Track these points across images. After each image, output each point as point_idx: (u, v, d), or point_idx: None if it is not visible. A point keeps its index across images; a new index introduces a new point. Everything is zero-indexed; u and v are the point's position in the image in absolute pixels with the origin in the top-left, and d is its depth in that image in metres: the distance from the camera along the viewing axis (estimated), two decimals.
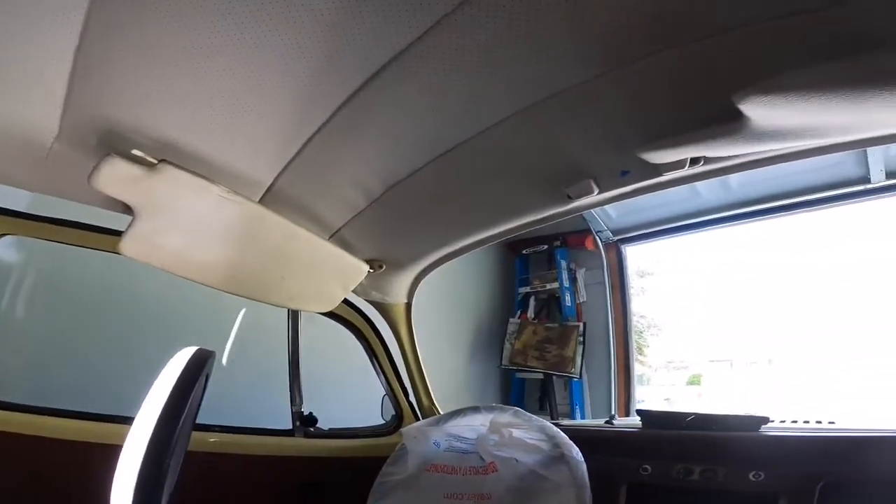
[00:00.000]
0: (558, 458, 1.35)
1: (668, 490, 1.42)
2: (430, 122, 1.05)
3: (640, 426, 1.60)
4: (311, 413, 1.89)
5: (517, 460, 1.37)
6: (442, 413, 1.88)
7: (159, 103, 0.92)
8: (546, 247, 4.26)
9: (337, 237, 1.49)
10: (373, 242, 1.57)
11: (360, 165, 1.20)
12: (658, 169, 1.13)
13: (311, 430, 1.85)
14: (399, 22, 0.80)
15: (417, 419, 1.98)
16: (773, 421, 1.42)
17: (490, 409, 1.62)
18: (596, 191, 1.22)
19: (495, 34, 0.82)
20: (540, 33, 0.82)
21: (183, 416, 0.84)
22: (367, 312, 2.02)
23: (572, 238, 4.15)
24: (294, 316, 1.96)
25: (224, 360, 2.51)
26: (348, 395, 2.51)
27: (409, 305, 1.99)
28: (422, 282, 1.91)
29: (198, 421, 1.08)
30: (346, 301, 1.92)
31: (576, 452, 1.35)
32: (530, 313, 4.26)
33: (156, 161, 1.00)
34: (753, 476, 1.27)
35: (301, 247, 1.39)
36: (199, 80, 0.88)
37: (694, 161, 1.10)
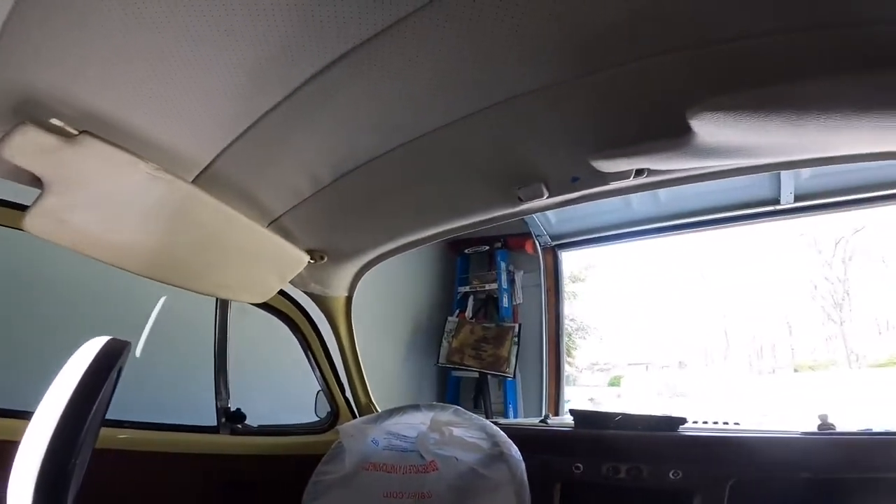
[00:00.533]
0: (498, 456, 1.36)
1: (599, 487, 1.48)
2: (386, 114, 1.03)
3: (573, 425, 1.65)
4: (238, 409, 1.79)
5: (457, 459, 1.37)
6: (380, 411, 1.86)
7: (88, 73, 0.83)
8: (487, 248, 4.32)
9: (277, 225, 1.41)
10: (316, 232, 1.51)
11: (309, 152, 1.15)
12: (605, 177, 1.18)
13: (239, 426, 1.75)
14: (364, 14, 0.78)
15: (354, 416, 1.93)
16: (688, 422, 1.52)
17: (430, 407, 1.62)
18: (546, 194, 1.25)
19: (459, 35, 0.82)
20: (504, 37, 0.83)
21: (92, 413, 0.75)
22: (303, 304, 1.94)
23: (513, 240, 4.24)
24: (223, 306, 1.84)
25: (138, 352, 2.31)
26: (280, 390, 2.41)
27: (349, 299, 1.94)
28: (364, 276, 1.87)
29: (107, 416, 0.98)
30: (281, 292, 1.84)
31: (515, 451, 1.38)
32: (468, 312, 4.31)
33: (76, 132, 0.89)
34: (672, 474, 1.36)
35: (236, 233, 1.30)
36: (135, 52, 0.80)
37: (639, 172, 1.16)
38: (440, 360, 4.12)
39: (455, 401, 4.03)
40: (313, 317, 1.96)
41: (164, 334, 2.32)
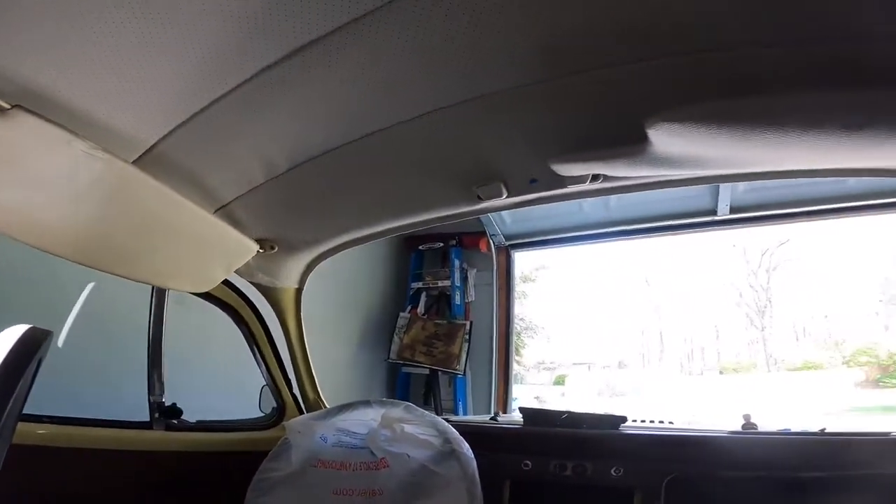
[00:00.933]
0: (449, 453, 1.37)
1: (547, 484, 1.52)
2: (347, 107, 1.01)
3: (522, 423, 1.69)
4: (174, 404, 1.69)
5: (409, 456, 1.36)
6: (329, 407, 1.81)
7: (26, 47, 0.75)
8: (442, 245, 4.33)
9: (225, 211, 1.34)
10: (267, 221, 1.46)
11: (266, 139, 1.10)
12: (563, 181, 1.21)
13: (175, 422, 1.65)
14: (327, 8, 0.76)
15: (301, 412, 1.88)
16: (630, 420, 1.59)
17: (381, 403, 1.60)
18: (505, 194, 1.27)
19: (422, 34, 0.81)
20: (469, 38, 0.83)
21: (8, 406, 0.68)
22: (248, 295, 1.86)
23: (467, 239, 4.28)
24: (159, 295, 1.73)
25: (60, 342, 2.14)
26: (222, 385, 2.30)
27: (299, 291, 1.89)
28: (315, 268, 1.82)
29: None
30: (226, 282, 1.75)
31: (466, 448, 1.38)
32: (420, 309, 4.31)
33: (8, 106, 0.81)
34: (614, 471, 1.42)
35: (179, 218, 1.22)
36: (78, 28, 0.73)
37: (595, 177, 1.19)
38: (391, 356, 4.09)
39: (405, 397, 4.02)
40: (260, 309, 1.89)
41: (95, 323, 2.16)
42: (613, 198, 3.64)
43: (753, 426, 1.48)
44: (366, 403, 1.62)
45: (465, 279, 4.35)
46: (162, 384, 1.70)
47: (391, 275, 4.56)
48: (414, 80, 0.93)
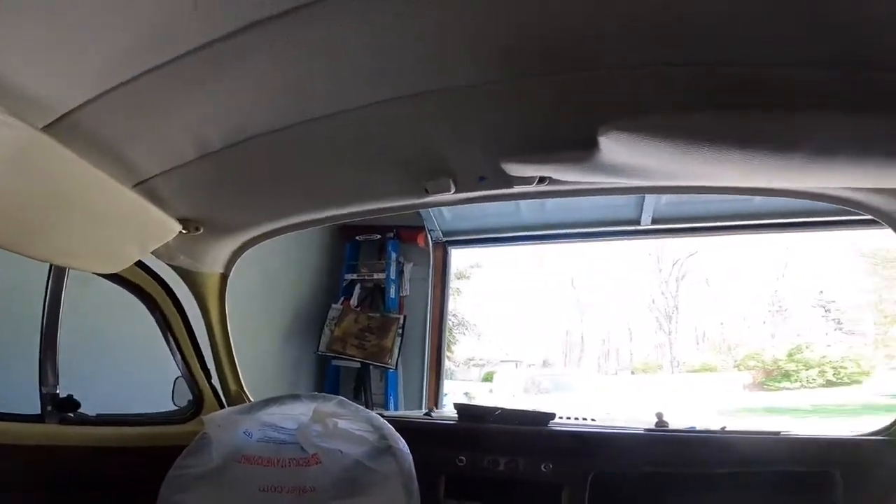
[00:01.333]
0: (385, 449, 1.34)
1: (481, 480, 1.53)
2: (294, 89, 0.96)
3: (456, 419, 1.70)
4: (70, 396, 1.52)
5: (342, 452, 1.33)
6: (253, 400, 1.72)
7: None
8: (379, 237, 4.27)
9: (145, 187, 1.22)
10: (194, 200, 1.35)
11: (203, 115, 1.03)
12: (511, 181, 1.22)
13: (71, 415, 1.48)
14: None
15: (222, 406, 1.76)
16: (558, 417, 1.66)
17: (312, 397, 1.54)
18: (453, 190, 1.26)
19: (383, 22, 0.79)
20: (433, 31, 0.81)
21: None
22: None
23: (406, 232, 4.24)
24: (57, 275, 1.54)
25: None
26: (130, 376, 2.10)
27: (225, 277, 1.77)
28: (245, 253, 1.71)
29: None
30: (139, 263, 1.60)
31: (402, 444, 1.37)
32: (354, 301, 4.21)
33: None
34: (544, 467, 1.47)
35: (90, 191, 1.09)
36: None
37: (542, 180, 1.22)
38: (320, 349, 3.96)
39: (334, 391, 3.92)
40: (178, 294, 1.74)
41: None
42: (550, 201, 3.77)
43: (665, 424, 1.60)
44: (295, 398, 1.55)
45: (400, 273, 4.31)
46: (56, 374, 1.51)
47: (324, 264, 4.41)
48: (365, 70, 0.91)
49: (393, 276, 4.23)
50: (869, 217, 1.33)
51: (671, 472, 1.43)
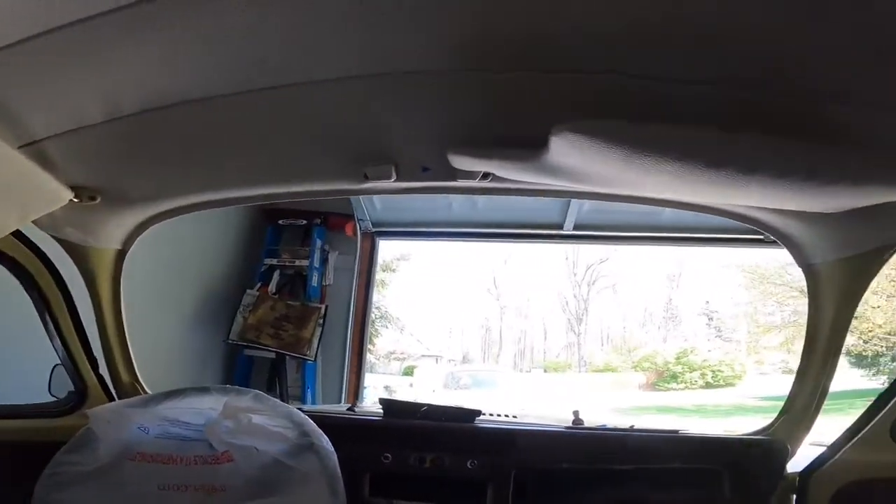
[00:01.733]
0: (306, 447, 1.28)
1: (407, 477, 1.50)
2: (236, 54, 0.89)
3: (382, 415, 1.65)
4: None
5: (258, 449, 1.24)
6: (150, 393, 1.55)
7: None
8: (305, 222, 4.08)
9: (34, 148, 1.07)
10: (93, 166, 1.21)
11: (118, 73, 0.93)
12: (455, 174, 1.20)
13: None
14: None
15: (112, 398, 1.57)
16: (483, 414, 1.67)
17: (223, 390, 1.41)
18: (394, 178, 1.23)
19: None
20: (390, 10, 0.78)
21: None
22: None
23: (334, 220, 4.10)
24: None
25: None
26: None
27: (122, 254, 1.58)
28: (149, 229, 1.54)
29: None
30: (17, 234, 1.37)
31: (325, 441, 1.31)
32: (272, 287, 3.98)
33: None
34: (470, 464, 1.47)
35: None
36: None
37: (485, 175, 1.21)
38: (231, 337, 3.69)
39: (245, 382, 3.67)
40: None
41: None
42: (482, 200, 3.82)
43: (581, 422, 1.66)
44: (202, 390, 1.41)
45: (325, 261, 4.16)
46: None
47: (241, 246, 4.12)
48: (307, 45, 0.86)
49: (317, 263, 4.05)
50: (755, 237, 1.47)
51: (586, 468, 1.50)
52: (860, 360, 14.10)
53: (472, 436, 1.55)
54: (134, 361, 1.65)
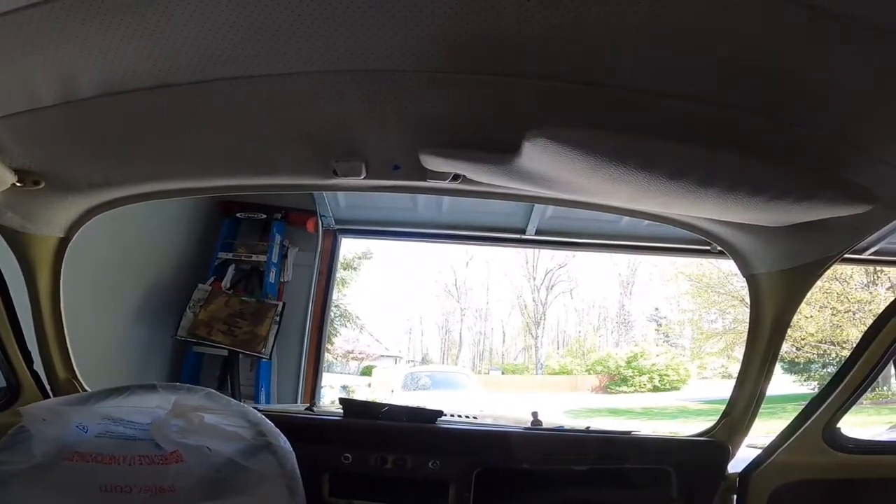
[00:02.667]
0: (263, 446, 1.23)
1: (368, 478, 1.48)
2: (194, 42, 0.87)
3: (342, 415, 1.63)
4: None
5: (209, 449, 1.19)
6: (89, 390, 1.46)
7: None
8: (264, 216, 3.96)
9: None
10: (39, 150, 1.16)
11: (72, 57, 0.90)
12: (425, 174, 1.20)
13: None
14: None
15: (46, 396, 1.47)
16: (445, 414, 1.67)
17: (172, 388, 1.34)
18: (363, 175, 1.22)
19: None
20: (367, 9, 0.78)
21: None
22: None
23: (295, 215, 4.00)
24: None
25: None
26: None
27: (65, 242, 1.49)
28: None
29: None
30: None
31: (283, 441, 1.27)
32: (226, 282, 3.83)
33: None
34: (432, 464, 1.46)
35: None
36: None
37: (456, 177, 1.22)
38: (180, 333, 3.52)
39: (194, 380, 3.51)
40: None
41: None
42: (447, 200, 3.84)
43: (540, 423, 1.70)
44: (148, 388, 1.34)
45: (283, 257, 4.04)
46: None
47: (194, 239, 3.94)
48: (281, 36, 0.85)
49: (275, 259, 3.94)
50: (703, 247, 1.56)
51: (546, 469, 1.53)
52: (793, 367, 15.17)
53: (433, 436, 1.55)
54: (72, 357, 1.55)
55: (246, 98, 1.00)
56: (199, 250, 3.96)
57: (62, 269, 1.50)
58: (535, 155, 0.92)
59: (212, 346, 3.58)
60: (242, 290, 3.87)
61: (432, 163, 1.13)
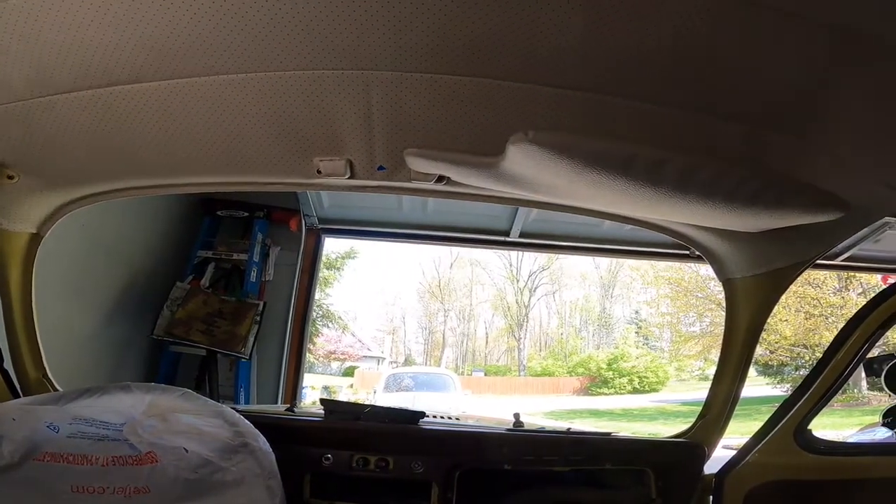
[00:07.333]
0: (241, 447, 1.22)
1: (349, 479, 1.47)
2: (187, 37, 0.87)
3: (323, 415, 1.61)
4: None
5: (186, 450, 1.17)
6: (61, 389, 1.43)
7: None
8: (246, 214, 3.88)
9: None
10: (14, 142, 1.14)
11: (49, 50, 0.89)
12: (410, 174, 1.20)
13: None
14: None
15: (16, 395, 1.42)
16: (428, 416, 1.67)
17: (147, 388, 1.32)
18: (348, 174, 1.21)
19: None
20: (361, 10, 0.79)
21: None
22: None
23: (278, 214, 3.93)
24: None
25: None
26: None
27: (37, 238, 1.46)
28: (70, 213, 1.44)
29: None
30: None
31: (262, 442, 1.26)
32: (205, 281, 3.75)
33: None
34: (414, 465, 1.46)
35: None
36: None
37: (441, 178, 1.22)
38: (156, 332, 3.43)
39: (171, 380, 3.43)
40: None
41: None
42: (432, 201, 3.83)
43: (522, 424, 1.71)
44: (122, 388, 1.32)
45: (265, 256, 3.98)
46: None
47: (173, 236, 3.85)
48: (277, 32, 0.85)
49: (256, 258, 3.87)
50: (682, 251, 1.59)
51: (527, 469, 1.54)
52: (767, 369, 15.57)
53: (416, 437, 1.55)
54: (43, 355, 1.51)
55: (226, 96, 0.99)
56: (178, 248, 3.87)
57: (34, 266, 1.46)
58: (520, 158, 0.92)
59: (189, 345, 3.50)
60: (222, 289, 3.79)
61: (417, 164, 1.13)
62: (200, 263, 3.81)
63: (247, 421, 1.29)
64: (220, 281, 3.84)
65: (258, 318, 3.65)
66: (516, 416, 1.75)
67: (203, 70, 0.93)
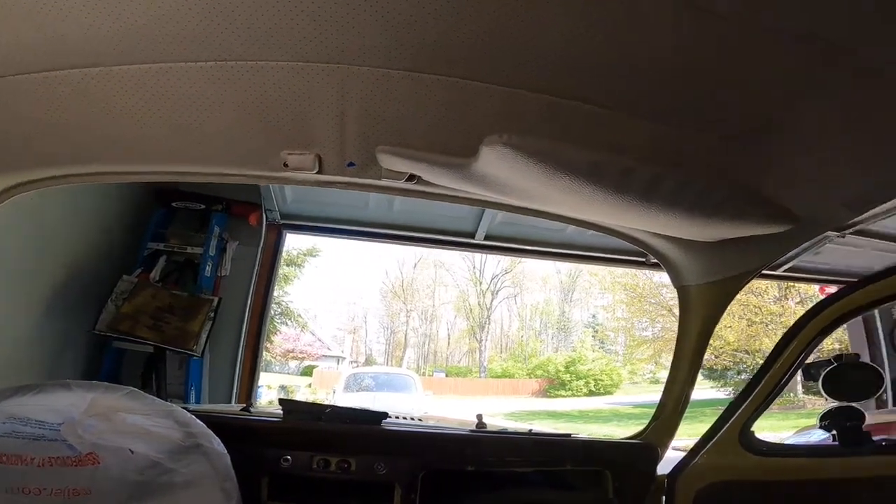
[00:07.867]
0: (193, 448, 1.17)
1: (309, 481, 1.44)
2: (169, 21, 0.84)
3: (281, 416, 1.56)
4: None
5: (131, 451, 1.12)
6: None
7: None
8: (203, 207, 3.72)
9: None
10: None
11: (7, 28, 0.85)
12: (381, 172, 1.18)
13: None
14: None
15: None
16: (390, 416, 1.65)
17: (88, 387, 1.24)
18: (315, 169, 1.18)
19: None
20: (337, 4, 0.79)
21: None
22: None
23: (238, 208, 3.78)
24: None
25: None
26: None
27: None
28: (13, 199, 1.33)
29: None
30: None
31: (216, 442, 1.21)
32: (155, 274, 3.56)
33: None
34: (377, 466, 1.44)
35: None
36: None
37: (412, 177, 1.20)
38: (99, 327, 3.23)
39: (114, 379, 3.23)
40: None
41: None
42: (399, 200, 3.80)
43: (484, 426, 1.72)
44: (62, 386, 1.24)
45: (222, 250, 3.82)
46: None
47: (120, 226, 3.63)
48: (260, 24, 0.84)
49: (212, 252, 3.71)
50: (640, 258, 1.64)
51: (490, 470, 1.54)
52: (711, 373, 16.39)
53: (379, 438, 1.53)
54: None
55: (195, 83, 0.96)
56: (126, 239, 3.66)
57: None
58: (492, 160, 0.93)
59: (136, 342, 3.31)
60: (174, 284, 3.61)
61: (389, 161, 1.12)
62: (151, 256, 3.61)
63: (199, 421, 1.23)
64: (172, 275, 3.66)
65: (212, 315, 3.50)
66: (479, 417, 1.76)
67: (174, 56, 0.90)
